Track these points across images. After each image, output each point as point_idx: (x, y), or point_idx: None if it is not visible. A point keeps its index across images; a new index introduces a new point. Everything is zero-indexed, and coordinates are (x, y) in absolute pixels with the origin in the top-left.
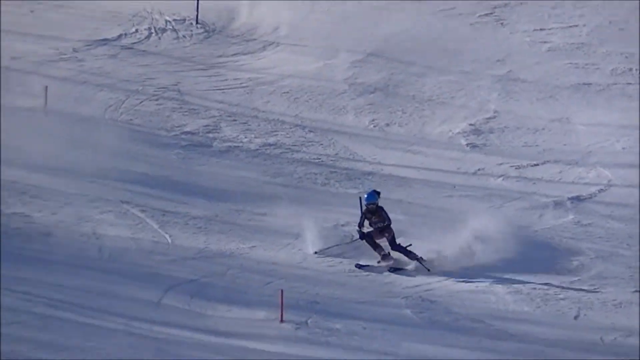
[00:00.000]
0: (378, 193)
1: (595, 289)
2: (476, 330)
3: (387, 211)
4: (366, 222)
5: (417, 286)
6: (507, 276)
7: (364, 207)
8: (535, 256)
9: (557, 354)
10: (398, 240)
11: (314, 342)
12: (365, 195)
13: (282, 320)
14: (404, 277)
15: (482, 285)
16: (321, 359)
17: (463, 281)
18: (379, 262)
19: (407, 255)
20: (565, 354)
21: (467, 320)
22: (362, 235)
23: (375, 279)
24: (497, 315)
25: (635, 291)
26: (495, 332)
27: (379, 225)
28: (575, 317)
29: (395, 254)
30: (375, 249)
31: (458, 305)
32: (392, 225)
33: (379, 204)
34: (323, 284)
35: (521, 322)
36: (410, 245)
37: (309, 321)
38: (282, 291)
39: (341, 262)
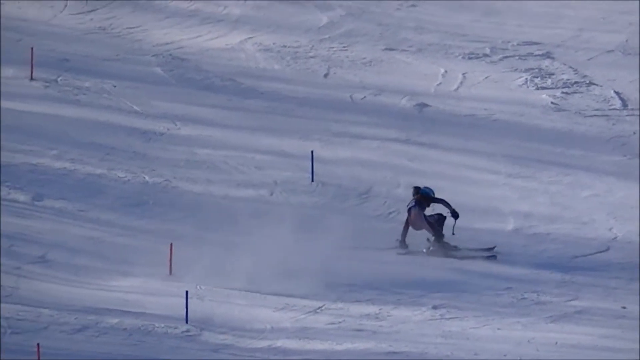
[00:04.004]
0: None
1: (344, 47)
2: (226, 88)
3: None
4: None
5: (168, 44)
6: (255, 34)
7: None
8: (281, 10)
9: (307, 111)
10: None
11: (64, 100)
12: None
13: (32, 78)
14: (155, 34)
15: (232, 42)
16: (70, 117)
17: (214, 39)
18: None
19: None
20: (316, 112)
21: (217, 78)
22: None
23: (125, 35)
24: (247, 73)
25: (385, 49)
26: (245, 89)
27: (410, 205)
28: (325, 75)
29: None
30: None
31: (208, 63)
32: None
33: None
34: (73, 41)
35: (271, 80)
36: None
37: (59, 79)
38: (32, 49)
39: (92, 20)
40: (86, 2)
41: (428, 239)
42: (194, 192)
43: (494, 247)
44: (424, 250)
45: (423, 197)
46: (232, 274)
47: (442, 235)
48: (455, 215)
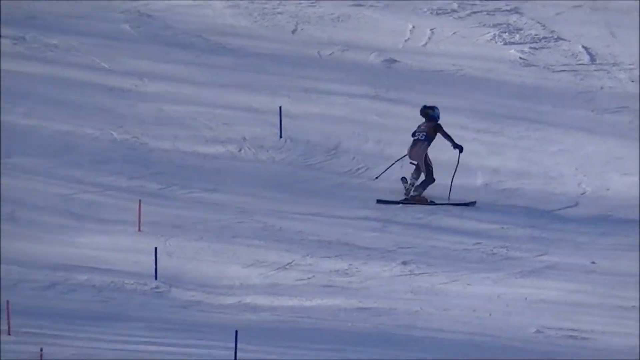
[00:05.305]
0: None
1: (312, 2)
2: (194, 44)
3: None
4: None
5: (135, 0)
6: None
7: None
8: None
9: (275, 67)
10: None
11: (32, 58)
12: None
13: None
14: None
15: None
16: (38, 74)
17: None
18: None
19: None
20: (284, 68)
21: (185, 34)
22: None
23: None
24: (215, 29)
25: (353, 5)
26: (213, 46)
27: (417, 137)
28: (293, 31)
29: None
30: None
31: (176, 20)
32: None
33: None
34: None
35: (239, 37)
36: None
37: (27, 36)
38: None
39: None
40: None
41: (406, 181)
42: (162, 148)
43: (474, 202)
44: (405, 191)
45: (433, 129)
46: (201, 230)
47: (433, 181)
48: (460, 148)
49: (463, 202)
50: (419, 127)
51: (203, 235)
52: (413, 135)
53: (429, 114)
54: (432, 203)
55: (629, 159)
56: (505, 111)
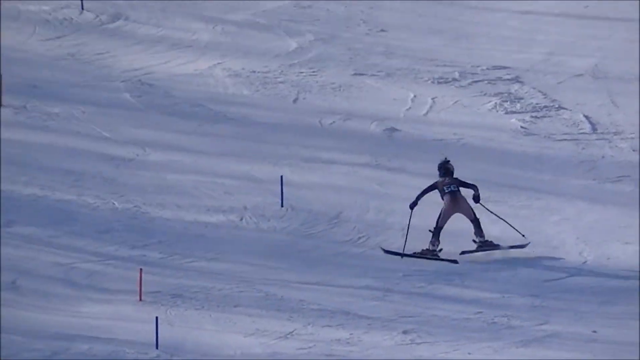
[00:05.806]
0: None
1: (314, 72)
2: (195, 113)
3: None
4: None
5: (136, 69)
6: (224, 60)
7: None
8: (250, 36)
9: (276, 136)
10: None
11: (33, 127)
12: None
13: (1, 105)
14: (123, 60)
15: (201, 68)
16: (40, 143)
17: (183, 64)
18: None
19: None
20: (285, 137)
21: (186, 104)
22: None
23: (94, 61)
24: (216, 98)
25: (355, 74)
26: (214, 115)
27: (451, 189)
28: (294, 100)
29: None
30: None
31: (177, 89)
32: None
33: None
34: (42, 67)
35: (241, 105)
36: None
37: (28, 105)
38: (0, 75)
39: (60, 46)
40: (55, 28)
41: (474, 240)
42: (164, 217)
43: (528, 243)
44: (475, 240)
45: (459, 182)
46: (202, 299)
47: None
48: (479, 199)
49: (517, 244)
50: (443, 182)
51: (204, 305)
52: (431, 190)
53: (450, 168)
54: (498, 247)
55: (630, 228)
56: (506, 180)
